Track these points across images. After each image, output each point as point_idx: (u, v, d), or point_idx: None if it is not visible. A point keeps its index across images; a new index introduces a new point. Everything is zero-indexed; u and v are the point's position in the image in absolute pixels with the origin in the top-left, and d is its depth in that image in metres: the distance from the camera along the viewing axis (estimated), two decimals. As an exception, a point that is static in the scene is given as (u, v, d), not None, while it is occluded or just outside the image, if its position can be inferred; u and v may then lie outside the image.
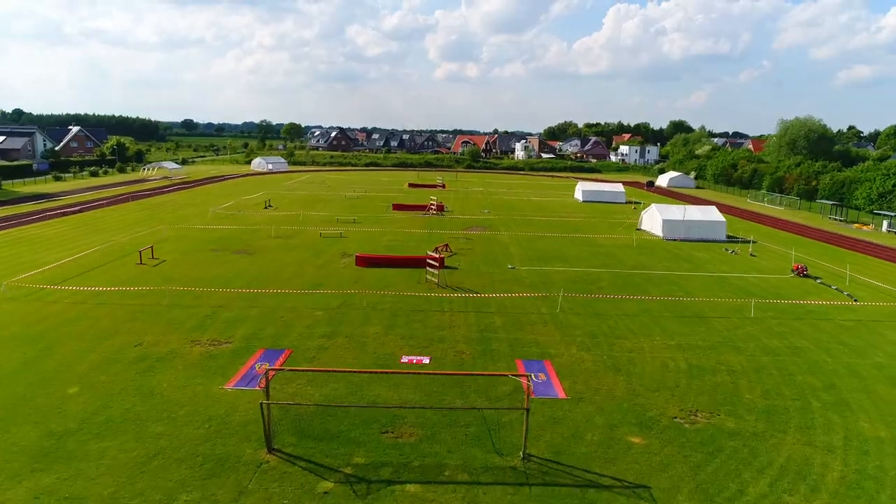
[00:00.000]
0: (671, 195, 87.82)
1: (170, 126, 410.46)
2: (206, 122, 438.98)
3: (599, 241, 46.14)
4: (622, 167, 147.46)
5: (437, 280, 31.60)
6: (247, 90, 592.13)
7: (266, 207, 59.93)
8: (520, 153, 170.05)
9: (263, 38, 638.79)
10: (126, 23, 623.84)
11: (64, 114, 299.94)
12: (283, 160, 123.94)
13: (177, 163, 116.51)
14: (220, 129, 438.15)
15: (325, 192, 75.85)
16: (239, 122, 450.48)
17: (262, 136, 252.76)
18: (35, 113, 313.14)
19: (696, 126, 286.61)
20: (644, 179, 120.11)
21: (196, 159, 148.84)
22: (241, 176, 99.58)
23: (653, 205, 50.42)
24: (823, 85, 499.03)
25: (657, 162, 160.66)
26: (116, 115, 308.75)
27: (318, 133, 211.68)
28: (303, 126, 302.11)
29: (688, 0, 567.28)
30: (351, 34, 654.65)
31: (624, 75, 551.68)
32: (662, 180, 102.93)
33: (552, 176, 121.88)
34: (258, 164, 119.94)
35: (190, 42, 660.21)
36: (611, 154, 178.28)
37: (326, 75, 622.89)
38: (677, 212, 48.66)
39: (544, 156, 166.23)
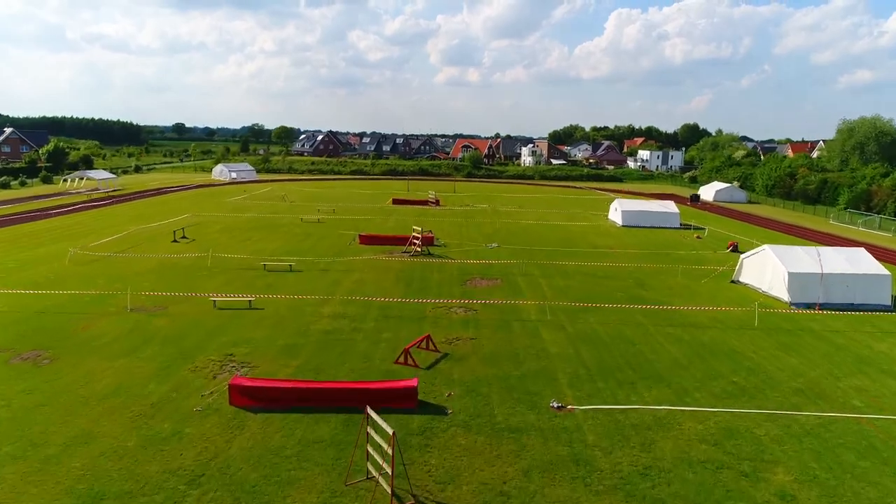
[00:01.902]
0: (724, 213, 69.09)
1: (162, 130, 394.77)
2: (203, 126, 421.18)
3: (692, 315, 27.26)
4: (645, 175, 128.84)
5: (388, 482, 12.80)
6: (248, 95, 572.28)
7: (175, 241, 41.26)
8: (527, 159, 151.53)
9: (265, 43, 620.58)
10: (128, 28, 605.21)
11: (40, 116, 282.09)
12: (250, 168, 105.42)
13: (114, 172, 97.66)
14: (211, 134, 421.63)
15: (277, 214, 57.15)
16: (237, 126, 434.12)
17: (245, 139, 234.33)
18: (12, 115, 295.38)
19: (712, 130, 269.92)
20: (673, 189, 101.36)
21: (157, 166, 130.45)
22: (192, 187, 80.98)
23: (766, 247, 31.55)
24: (825, 89, 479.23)
25: (683, 169, 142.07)
26: (95, 118, 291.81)
27: (303, 137, 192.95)
28: (301, 130, 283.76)
29: (689, 5, 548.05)
30: (353, 39, 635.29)
31: (625, 80, 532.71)
32: (707, 193, 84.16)
33: (568, 186, 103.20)
34: (220, 172, 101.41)
35: (192, 47, 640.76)
36: (628, 160, 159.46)
37: (328, 80, 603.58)
38: (808, 259, 29.89)
39: (554, 162, 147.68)
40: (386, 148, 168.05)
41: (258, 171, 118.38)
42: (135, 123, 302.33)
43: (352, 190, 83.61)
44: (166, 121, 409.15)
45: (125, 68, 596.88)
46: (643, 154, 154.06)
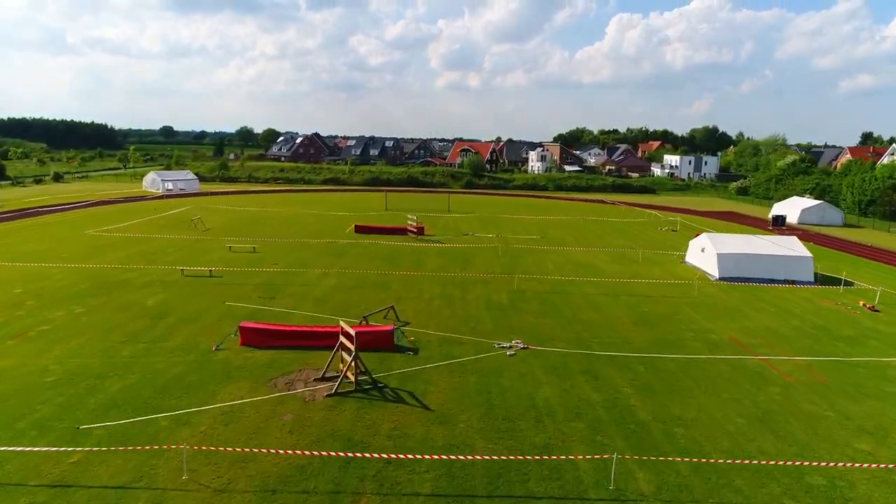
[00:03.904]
0: (835, 244, 47.44)
1: (150, 133, 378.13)
2: (199, 129, 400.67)
3: None
4: (680, 185, 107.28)
5: None
6: (248, 99, 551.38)
7: None
8: (535, 164, 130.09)
9: (266, 47, 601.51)
10: (129, 32, 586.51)
11: (7, 118, 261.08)
12: (191, 177, 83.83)
13: (19, 182, 76.37)
14: (199, 137, 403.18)
15: (151, 261, 35.61)
16: (232, 130, 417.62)
17: (220, 143, 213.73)
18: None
19: (732, 133, 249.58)
20: (726, 204, 79.22)
21: (92, 174, 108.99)
22: (88, 204, 59.32)
23: None
24: (825, 94, 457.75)
25: (720, 177, 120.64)
26: (67, 119, 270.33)
27: (281, 139, 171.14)
28: (299, 133, 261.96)
29: (691, 10, 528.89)
30: (353, 44, 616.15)
31: (625, 84, 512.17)
32: (789, 212, 62.42)
33: (594, 200, 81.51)
34: (151, 182, 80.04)
35: (193, 50, 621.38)
36: (652, 166, 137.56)
37: (328, 84, 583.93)
38: None
39: (568, 168, 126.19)
40: (374, 152, 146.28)
41: (213, 180, 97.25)
42: (109, 126, 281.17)
43: (310, 209, 62.07)
44: (171, 125, 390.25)
45: (126, 72, 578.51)
46: (671, 159, 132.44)
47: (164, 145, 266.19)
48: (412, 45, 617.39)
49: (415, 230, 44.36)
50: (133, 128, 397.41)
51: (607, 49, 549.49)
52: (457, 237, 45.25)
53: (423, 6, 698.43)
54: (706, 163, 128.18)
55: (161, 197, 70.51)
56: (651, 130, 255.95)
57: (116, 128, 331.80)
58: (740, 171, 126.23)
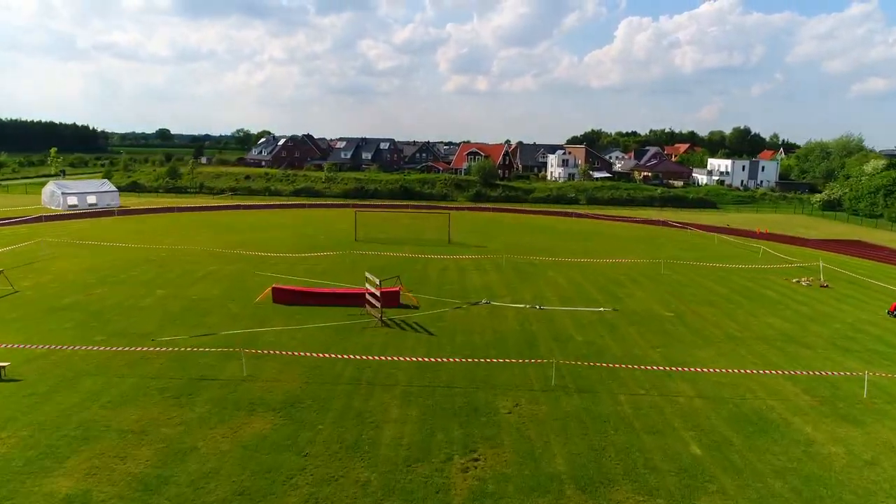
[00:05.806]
0: None
1: (146, 136, 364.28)
2: (204, 133, 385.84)
3: None
4: (743, 197, 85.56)
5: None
6: (257, 103, 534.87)
7: None
8: (556, 170, 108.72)
9: (274, 52, 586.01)
10: (138, 37, 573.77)
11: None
12: (108, 188, 63.05)
13: None
14: (195, 140, 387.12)
15: None
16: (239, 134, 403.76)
17: (200, 146, 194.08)
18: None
19: (766, 135, 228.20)
20: (818, 224, 55.98)
21: (15, 182, 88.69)
22: None
23: None
24: (836, 98, 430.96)
25: (783, 185, 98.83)
26: (44, 120, 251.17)
27: (262, 141, 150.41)
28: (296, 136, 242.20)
29: (701, 13, 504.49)
30: (362, 48, 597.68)
31: (634, 88, 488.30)
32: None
33: (658, 223, 60.09)
34: (50, 196, 59.58)
35: (201, 55, 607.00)
36: (694, 172, 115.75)
37: (337, 88, 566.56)
38: None
39: (596, 175, 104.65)
40: (366, 155, 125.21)
41: (156, 191, 77.04)
42: (91, 127, 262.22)
43: (239, 242, 41.28)
44: (178, 129, 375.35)
45: (135, 76, 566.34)
46: (719, 164, 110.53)
47: (161, 148, 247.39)
48: (420, 50, 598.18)
49: (377, 303, 23.17)
50: (136, 131, 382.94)
51: (616, 53, 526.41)
52: (461, 313, 24.20)
53: (431, 10, 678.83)
54: (763, 168, 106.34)
55: (65, 217, 50.03)
56: (677, 132, 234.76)
57: (121, 132, 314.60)
58: (804, 179, 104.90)
